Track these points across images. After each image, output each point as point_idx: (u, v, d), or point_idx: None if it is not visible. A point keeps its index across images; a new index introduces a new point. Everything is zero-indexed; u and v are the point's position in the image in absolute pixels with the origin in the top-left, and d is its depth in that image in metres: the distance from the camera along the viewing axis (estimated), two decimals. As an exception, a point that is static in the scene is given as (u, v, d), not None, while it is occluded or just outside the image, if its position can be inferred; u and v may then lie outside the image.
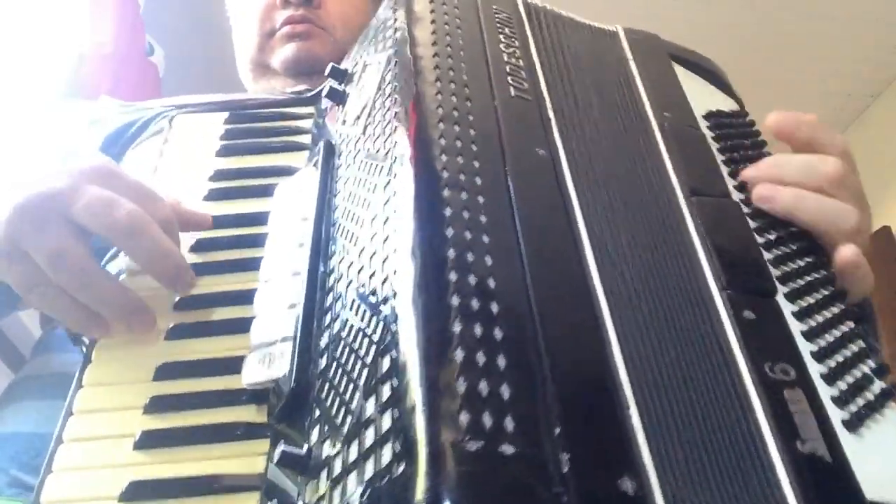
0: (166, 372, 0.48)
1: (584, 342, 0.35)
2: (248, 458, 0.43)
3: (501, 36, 0.54)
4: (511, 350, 0.33)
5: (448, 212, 0.39)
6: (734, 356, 0.38)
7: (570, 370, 0.33)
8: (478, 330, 0.33)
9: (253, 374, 0.45)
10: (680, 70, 0.59)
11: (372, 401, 0.34)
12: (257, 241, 0.54)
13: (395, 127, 0.46)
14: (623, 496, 0.30)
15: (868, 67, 2.49)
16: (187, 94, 0.76)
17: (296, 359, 0.43)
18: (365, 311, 0.39)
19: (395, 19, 0.55)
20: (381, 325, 0.37)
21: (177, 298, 0.51)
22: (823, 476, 0.34)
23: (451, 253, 0.36)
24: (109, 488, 0.42)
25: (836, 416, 0.38)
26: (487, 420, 0.30)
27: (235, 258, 0.54)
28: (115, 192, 0.48)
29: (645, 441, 0.33)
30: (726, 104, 0.59)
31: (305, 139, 0.64)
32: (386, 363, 0.35)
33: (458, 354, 0.32)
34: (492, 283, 0.36)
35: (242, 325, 0.48)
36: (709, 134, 0.54)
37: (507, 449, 0.29)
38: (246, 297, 0.50)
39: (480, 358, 0.32)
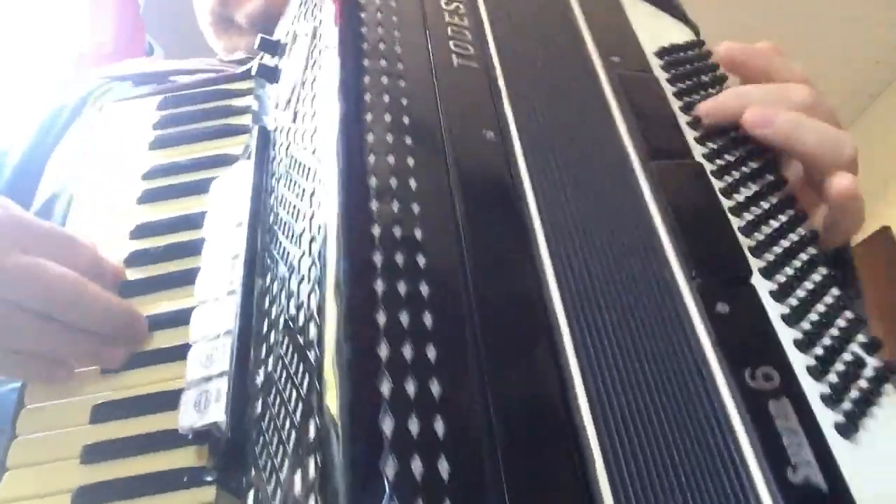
0: (102, 413, 0.43)
1: (538, 371, 0.30)
2: (196, 510, 0.39)
3: (441, -10, 0.47)
4: (452, 445, 0.28)
5: (377, 231, 0.33)
6: (709, 364, 0.33)
7: (525, 430, 0.28)
8: (410, 388, 0.28)
9: (189, 418, 0.40)
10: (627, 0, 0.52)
11: (298, 477, 0.29)
12: (195, 248, 0.49)
13: (318, 123, 0.40)
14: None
15: (868, 68, 2.48)
16: None
17: (230, 405, 0.38)
18: (294, 353, 0.34)
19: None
20: (307, 376, 0.32)
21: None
22: None
23: (379, 286, 0.31)
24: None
25: (827, 420, 0.32)
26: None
27: (172, 271, 0.49)
28: (30, 250, 0.42)
29: (609, 492, 0.28)
30: (680, 34, 0.51)
31: (245, 119, 0.58)
32: (312, 430, 0.30)
33: (388, 426, 0.27)
34: (428, 320, 0.30)
35: (180, 353, 0.44)
36: (663, 75, 0.47)
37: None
38: (184, 318, 0.45)
39: (413, 427, 0.27)
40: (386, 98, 0.39)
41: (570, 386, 0.31)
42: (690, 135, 0.44)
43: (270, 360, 0.37)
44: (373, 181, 0.35)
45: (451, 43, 0.44)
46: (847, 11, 2.27)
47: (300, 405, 0.32)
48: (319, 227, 0.36)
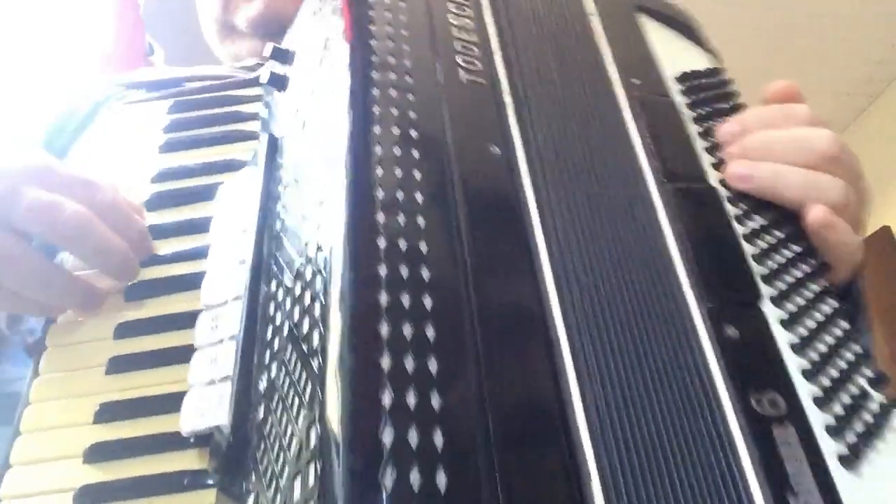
0: (107, 413, 0.44)
1: (540, 398, 0.31)
2: (196, 512, 0.40)
3: (452, 6, 0.48)
4: (448, 450, 0.28)
5: (382, 244, 0.34)
6: (716, 387, 0.33)
7: (520, 451, 0.29)
8: (411, 398, 0.29)
9: (191, 422, 0.41)
10: (649, 24, 0.52)
11: (297, 483, 0.30)
12: (202, 253, 0.49)
13: (326, 134, 0.41)
14: None
15: (868, 67, 2.48)
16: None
17: (232, 409, 0.39)
18: (297, 361, 0.35)
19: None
20: (310, 383, 0.32)
21: (115, 325, 0.47)
22: None
23: (384, 299, 0.32)
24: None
25: (831, 450, 0.33)
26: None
27: (179, 274, 0.50)
28: (54, 190, 0.45)
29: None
30: (701, 61, 0.52)
31: (254, 126, 0.58)
32: (313, 438, 0.30)
33: (388, 438, 0.28)
34: (430, 332, 0.31)
35: (187, 355, 0.44)
36: (683, 100, 0.47)
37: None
38: (188, 321, 0.46)
39: (413, 438, 0.28)
40: (394, 111, 0.39)
41: (568, 402, 0.31)
42: (707, 160, 0.44)
43: (274, 366, 0.38)
44: (379, 193, 0.35)
45: (459, 58, 0.44)
46: (847, 11, 2.27)
47: (302, 412, 0.32)
48: (325, 237, 0.36)
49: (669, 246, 0.39)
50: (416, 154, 0.38)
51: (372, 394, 0.29)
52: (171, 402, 0.43)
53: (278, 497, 0.31)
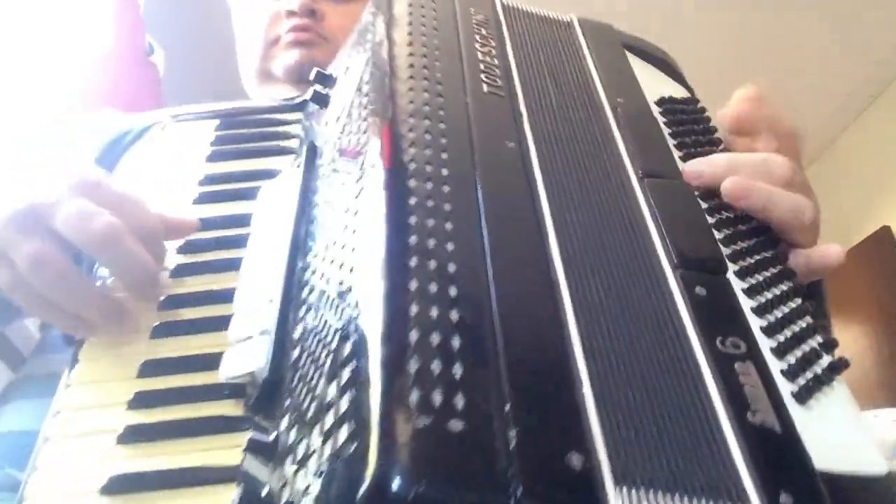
0: (150, 369, 0.49)
1: (540, 323, 0.36)
2: (228, 451, 0.44)
3: (478, 36, 0.55)
4: (465, 331, 0.33)
5: (413, 200, 0.39)
6: (686, 331, 0.39)
7: (524, 350, 0.34)
8: (434, 312, 0.34)
9: (230, 368, 0.45)
10: (634, 59, 0.60)
11: (334, 385, 0.35)
12: (242, 242, 0.55)
13: (369, 124, 0.47)
14: (569, 471, 0.30)
15: (868, 67, 2.48)
16: (188, 95, 0.77)
17: (272, 350, 0.43)
18: (333, 300, 0.40)
19: (375, 23, 0.56)
20: (345, 312, 0.38)
21: (161, 298, 0.53)
22: (774, 446, 0.34)
23: (413, 240, 0.37)
24: (92, 482, 0.43)
25: (785, 388, 0.38)
26: (437, 398, 0.30)
27: (220, 258, 0.55)
28: (98, 203, 0.49)
29: (596, 418, 0.33)
30: (678, 92, 0.60)
31: (293, 143, 0.65)
32: (347, 348, 0.35)
33: (413, 335, 0.33)
34: (451, 267, 0.36)
35: (224, 323, 0.49)
36: (661, 119, 0.54)
37: (456, 425, 0.30)
38: (228, 296, 0.51)
39: (435, 339, 0.33)
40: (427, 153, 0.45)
41: (567, 336, 0.36)
42: (681, 165, 0.51)
43: (309, 316, 0.43)
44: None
45: (482, 76, 0.51)
46: (847, 11, 2.27)
47: (337, 335, 0.37)
48: (363, 199, 0.42)
49: (649, 225, 0.45)
50: (443, 140, 0.44)
51: (402, 305, 0.34)
52: (210, 361, 0.48)
53: (313, 405, 0.36)
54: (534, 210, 0.42)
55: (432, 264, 0.36)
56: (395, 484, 0.28)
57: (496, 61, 0.54)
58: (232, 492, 0.42)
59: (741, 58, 2.27)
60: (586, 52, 0.58)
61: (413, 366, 0.31)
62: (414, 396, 0.30)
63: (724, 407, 0.35)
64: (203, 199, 0.61)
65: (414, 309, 0.34)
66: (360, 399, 0.32)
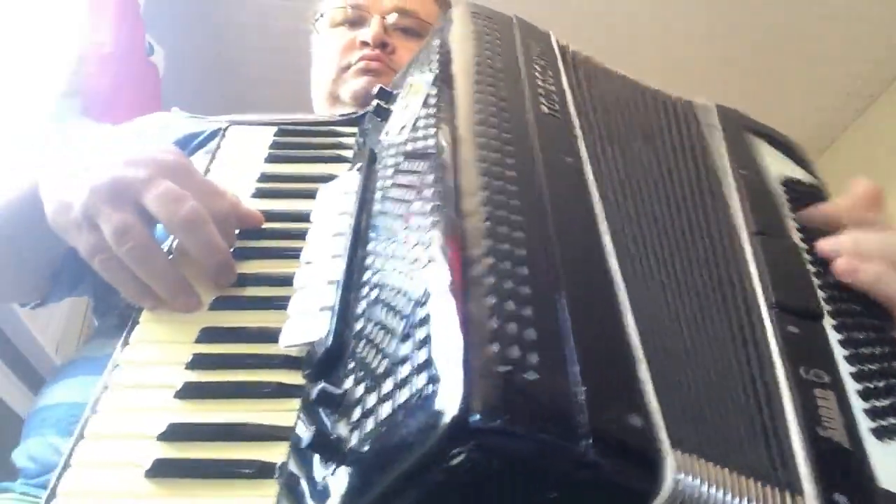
0: (208, 335, 0.52)
1: (602, 310, 0.39)
2: (278, 413, 0.47)
3: (536, 64, 0.60)
4: (538, 303, 0.37)
5: (484, 194, 0.43)
6: (771, 355, 0.42)
7: (592, 334, 0.37)
8: (508, 284, 0.37)
9: (290, 336, 0.48)
10: (759, 142, 0.63)
11: (409, 343, 0.38)
12: (300, 234, 0.58)
13: (437, 131, 0.51)
14: (633, 428, 0.33)
15: (868, 67, 2.48)
16: (187, 94, 0.82)
17: (334, 321, 0.46)
18: (404, 274, 0.43)
19: (440, 43, 0.61)
20: (419, 283, 0.41)
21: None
22: (839, 456, 0.37)
23: (487, 224, 0.41)
24: (149, 428, 0.45)
25: (864, 423, 0.40)
26: (515, 352, 0.34)
27: (280, 246, 0.58)
28: (184, 188, 0.53)
29: (653, 394, 0.36)
30: (805, 177, 0.63)
31: (348, 153, 0.69)
32: (422, 312, 0.38)
33: (490, 300, 0.36)
34: (522, 251, 0.40)
35: (281, 303, 0.52)
36: (783, 197, 0.58)
37: (532, 376, 0.33)
38: (286, 280, 0.54)
39: (510, 306, 0.36)
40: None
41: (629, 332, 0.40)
42: (797, 234, 0.55)
43: (374, 292, 0.46)
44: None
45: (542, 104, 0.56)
46: (847, 11, 2.27)
47: (410, 303, 0.40)
48: (435, 192, 0.46)
49: (750, 263, 0.49)
50: (508, 148, 0.48)
51: (478, 275, 0.37)
52: (267, 334, 0.51)
53: (385, 361, 0.39)
54: (591, 222, 0.46)
55: (506, 246, 0.40)
56: (475, 417, 0.31)
57: (553, 87, 0.58)
58: (279, 449, 0.45)
59: (741, 57, 2.31)
60: (714, 128, 0.62)
61: (492, 324, 0.35)
62: (494, 349, 0.33)
63: (796, 417, 0.38)
64: (260, 193, 0.64)
65: (489, 279, 0.37)
66: (437, 352, 0.35)
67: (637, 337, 0.38)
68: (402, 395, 0.35)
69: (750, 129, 0.65)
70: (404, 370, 0.37)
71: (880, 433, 0.40)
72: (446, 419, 0.32)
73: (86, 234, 0.53)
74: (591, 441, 0.32)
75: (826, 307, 0.48)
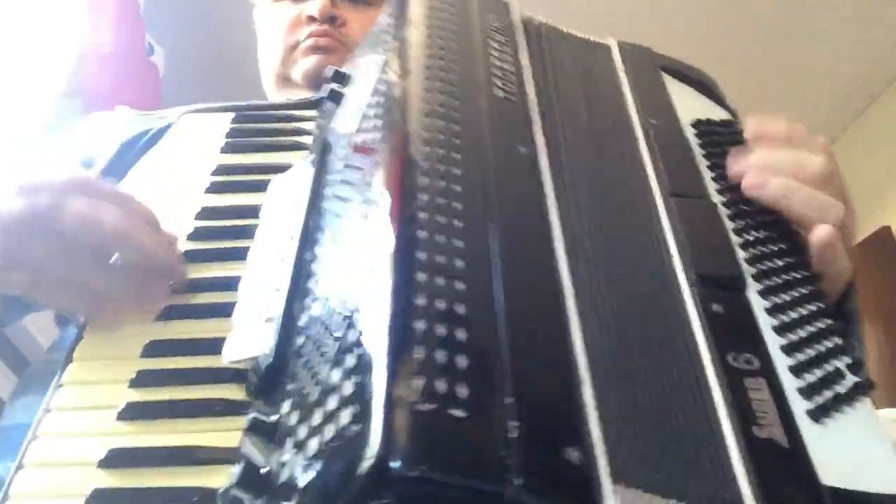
0: (154, 349, 0.49)
1: (545, 322, 0.37)
2: (226, 433, 0.45)
3: (494, 42, 0.56)
4: (471, 326, 0.34)
5: (424, 197, 0.40)
6: (697, 345, 0.39)
7: (528, 348, 0.35)
8: (440, 305, 0.35)
9: (233, 352, 0.46)
10: (672, 82, 0.60)
11: (338, 371, 0.35)
12: (250, 233, 0.56)
13: (383, 122, 0.48)
14: (568, 465, 0.31)
15: (868, 67, 2.47)
16: (187, 94, 0.78)
17: (277, 336, 0.44)
18: (340, 290, 0.41)
19: (392, 24, 0.57)
20: (352, 301, 0.38)
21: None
22: (779, 460, 0.35)
23: (422, 234, 0.38)
24: (91, 454, 0.44)
25: (799, 405, 0.38)
26: (441, 386, 0.31)
27: (234, 247, 0.56)
28: (92, 199, 0.49)
29: (596, 418, 0.34)
30: (716, 114, 0.60)
31: (307, 140, 0.66)
32: (353, 335, 0.36)
33: (420, 326, 0.33)
34: (459, 263, 0.37)
35: (229, 310, 0.50)
36: (694, 141, 0.55)
37: (458, 413, 0.30)
38: (235, 285, 0.52)
39: (441, 331, 0.34)
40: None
41: (571, 339, 0.37)
42: (711, 183, 0.52)
43: (315, 305, 0.44)
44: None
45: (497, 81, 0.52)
46: (847, 11, 2.26)
47: (344, 323, 0.38)
48: (374, 197, 0.43)
49: (669, 241, 0.45)
50: (455, 141, 0.45)
51: (409, 297, 0.35)
52: (214, 345, 0.48)
53: (317, 389, 0.37)
54: (542, 216, 0.43)
55: (440, 259, 0.37)
56: (396, 464, 0.29)
57: (511, 67, 0.55)
58: (228, 473, 0.43)
59: (741, 57, 2.27)
60: (622, 73, 0.59)
61: (418, 354, 0.32)
62: (418, 383, 0.31)
63: (730, 419, 0.36)
64: (215, 188, 0.61)
65: (421, 301, 0.35)
66: (363, 384, 0.33)
67: (584, 354, 0.36)
68: (329, 432, 0.33)
69: (661, 67, 0.62)
70: (332, 402, 0.34)
71: (816, 414, 0.39)
72: (365, 466, 0.29)
73: (16, 275, 0.50)
74: (522, 482, 0.29)
75: (748, 269, 0.45)
